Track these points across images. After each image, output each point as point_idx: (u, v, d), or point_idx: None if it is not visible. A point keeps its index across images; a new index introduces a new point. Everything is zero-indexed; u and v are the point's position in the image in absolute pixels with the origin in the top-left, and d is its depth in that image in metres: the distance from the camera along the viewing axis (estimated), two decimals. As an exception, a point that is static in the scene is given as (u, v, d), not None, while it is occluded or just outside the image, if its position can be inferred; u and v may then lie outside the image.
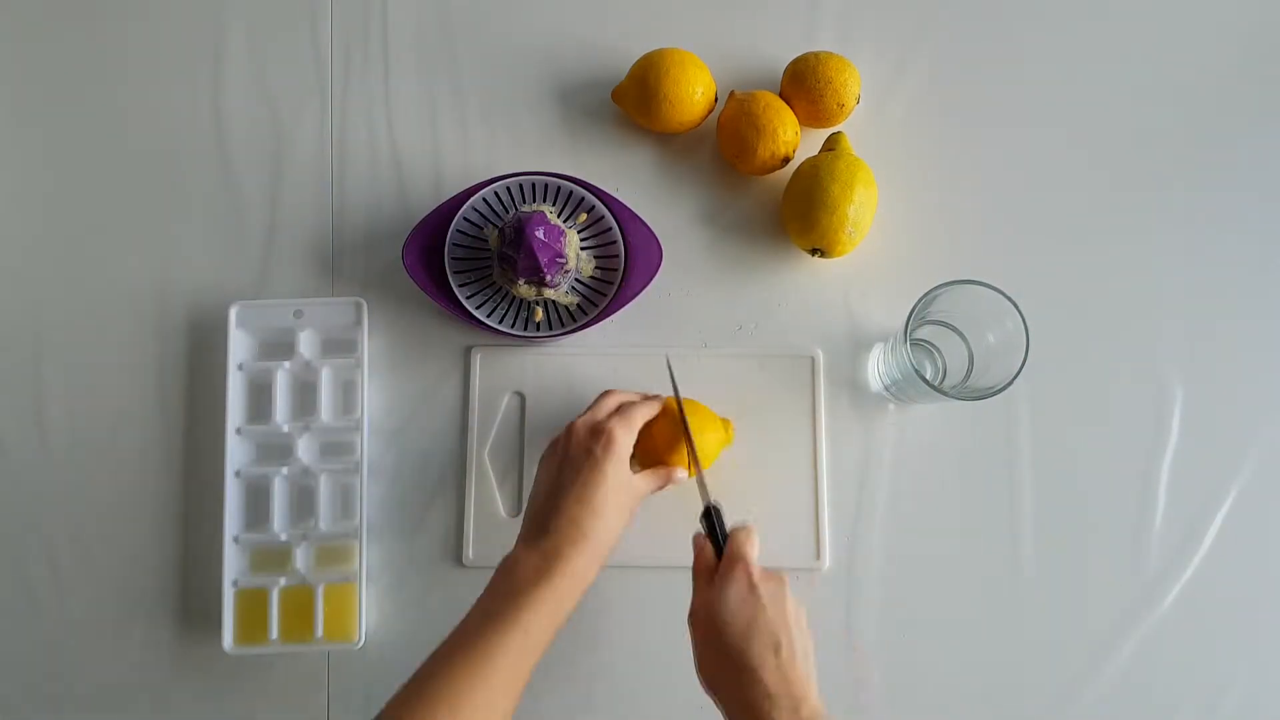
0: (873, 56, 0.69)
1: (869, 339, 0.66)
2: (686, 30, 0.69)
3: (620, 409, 0.55)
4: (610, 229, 0.64)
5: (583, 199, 0.64)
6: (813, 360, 0.65)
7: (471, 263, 0.63)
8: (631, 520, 0.54)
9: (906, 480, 0.64)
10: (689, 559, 0.53)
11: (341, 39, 0.70)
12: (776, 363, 0.65)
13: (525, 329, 0.63)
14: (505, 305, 0.63)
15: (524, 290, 0.61)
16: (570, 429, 0.55)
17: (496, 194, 0.64)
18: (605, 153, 0.69)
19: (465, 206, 0.63)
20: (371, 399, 0.64)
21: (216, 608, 0.60)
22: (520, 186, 0.64)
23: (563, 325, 0.63)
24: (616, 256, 0.64)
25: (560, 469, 0.53)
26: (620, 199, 0.64)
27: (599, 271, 0.64)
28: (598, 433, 0.53)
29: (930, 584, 0.62)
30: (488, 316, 0.62)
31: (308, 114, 0.69)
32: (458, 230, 0.63)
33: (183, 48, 0.69)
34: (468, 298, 0.63)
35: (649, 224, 0.64)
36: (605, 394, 0.58)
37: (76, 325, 0.66)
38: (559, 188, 0.64)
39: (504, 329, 0.62)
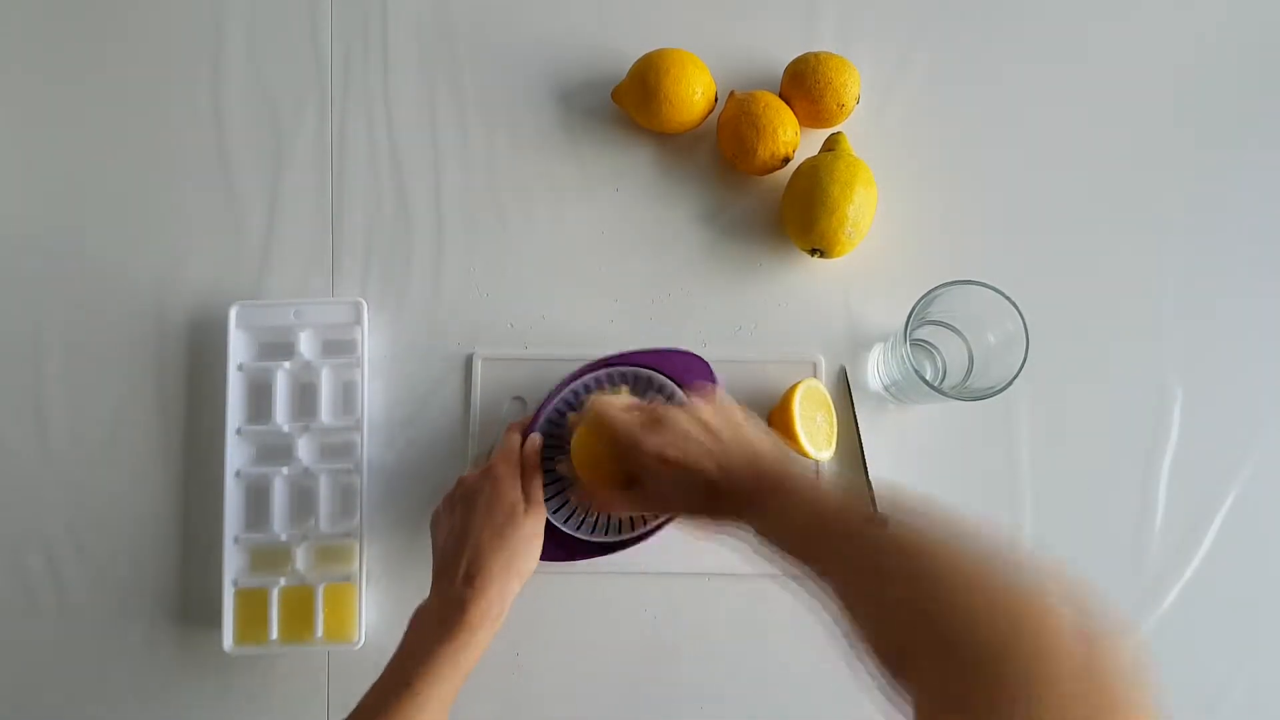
0: (873, 57, 0.69)
1: (869, 339, 0.66)
2: (686, 30, 0.69)
3: (505, 443, 0.58)
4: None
5: (650, 379, 0.60)
6: (814, 366, 0.65)
7: (548, 462, 0.59)
8: (534, 545, 0.54)
9: (906, 480, 0.64)
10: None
11: (341, 39, 0.70)
12: (777, 366, 0.65)
13: (593, 530, 0.59)
14: (576, 505, 0.59)
15: None
16: (459, 480, 0.57)
17: (575, 391, 0.61)
18: (605, 153, 0.69)
19: (543, 417, 0.60)
20: (371, 399, 0.63)
21: (216, 608, 0.60)
22: (598, 380, 0.61)
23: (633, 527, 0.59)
24: None
25: (456, 516, 0.54)
26: (690, 351, 0.61)
27: None
28: (484, 475, 0.55)
29: (930, 584, 0.62)
30: (564, 521, 0.58)
31: (308, 114, 0.69)
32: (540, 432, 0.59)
33: (183, 48, 0.69)
34: (545, 500, 0.57)
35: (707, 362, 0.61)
36: (505, 431, 0.59)
37: (76, 325, 0.66)
38: (629, 373, 0.61)
39: (587, 537, 0.58)
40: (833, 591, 0.41)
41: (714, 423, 0.50)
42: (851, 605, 0.40)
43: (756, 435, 0.50)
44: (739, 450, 0.48)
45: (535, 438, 0.58)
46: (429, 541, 0.56)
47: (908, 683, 0.35)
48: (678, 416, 0.50)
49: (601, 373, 0.60)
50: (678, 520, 0.55)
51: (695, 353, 0.61)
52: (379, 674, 0.50)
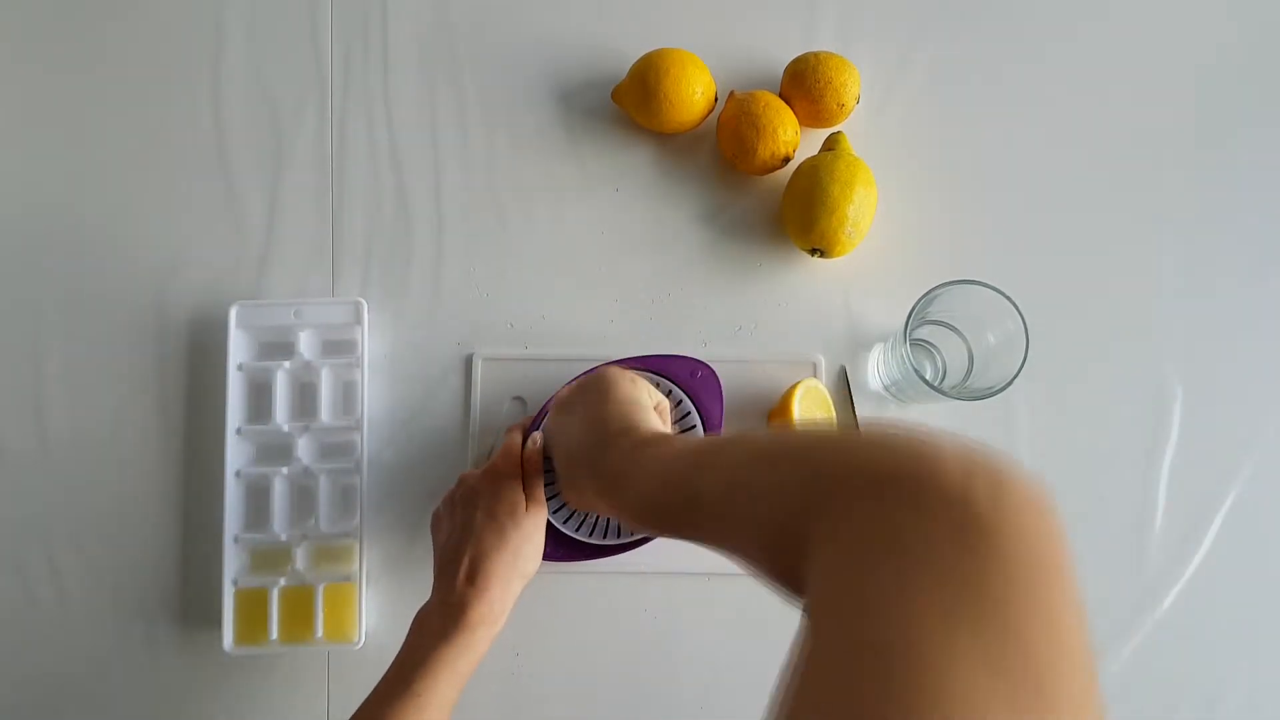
0: (873, 56, 0.69)
1: (869, 339, 0.66)
2: (686, 30, 0.69)
3: (507, 443, 0.57)
4: (689, 413, 0.59)
5: (657, 384, 0.60)
6: (814, 366, 0.65)
7: (550, 462, 0.59)
8: (536, 545, 0.54)
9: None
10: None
11: (341, 39, 0.70)
12: (777, 366, 0.65)
13: (591, 533, 0.58)
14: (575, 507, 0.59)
15: None
16: (460, 479, 0.56)
17: None
18: (605, 153, 0.69)
19: (546, 418, 0.59)
20: (371, 399, 0.63)
21: (216, 608, 0.60)
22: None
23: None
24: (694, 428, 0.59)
25: (457, 515, 0.54)
26: (704, 362, 0.60)
27: None
28: (486, 474, 0.55)
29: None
30: (564, 522, 0.58)
31: (308, 114, 0.69)
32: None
33: (183, 47, 0.69)
34: (553, 508, 0.58)
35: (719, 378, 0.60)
36: (507, 431, 0.59)
37: (76, 325, 0.66)
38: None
39: (586, 539, 0.58)
40: (702, 530, 0.37)
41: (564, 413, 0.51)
42: (723, 530, 0.36)
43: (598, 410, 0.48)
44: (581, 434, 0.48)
45: (537, 436, 0.58)
46: (429, 541, 0.56)
47: (798, 577, 0.30)
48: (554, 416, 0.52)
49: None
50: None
51: (702, 360, 0.60)
52: (379, 674, 0.50)
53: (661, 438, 0.44)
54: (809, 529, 0.29)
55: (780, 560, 0.32)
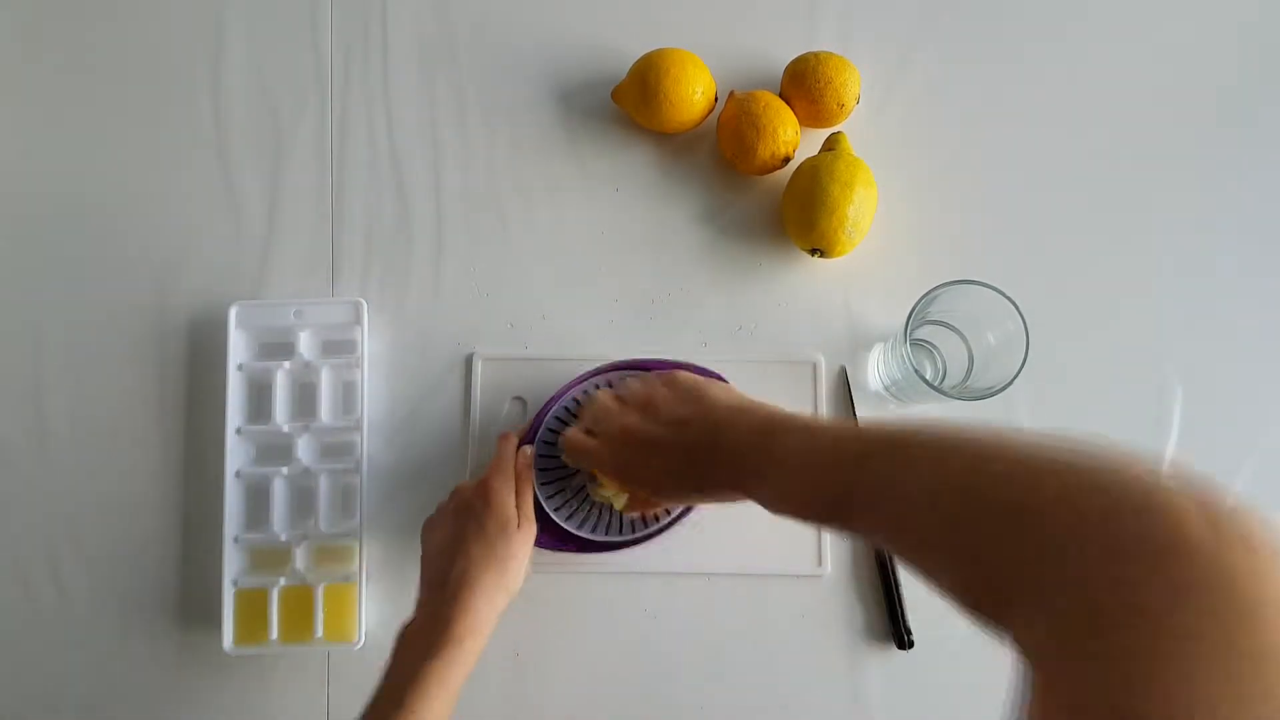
0: (873, 56, 0.69)
1: (869, 339, 0.66)
2: (686, 30, 0.69)
3: (500, 453, 0.57)
4: None
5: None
6: (814, 366, 0.65)
7: (553, 460, 0.60)
8: (523, 562, 0.54)
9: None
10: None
11: (341, 39, 0.70)
12: (777, 366, 0.65)
13: (596, 529, 0.59)
14: (577, 502, 0.59)
15: (607, 495, 0.57)
16: (455, 490, 0.56)
17: (585, 391, 0.61)
18: (605, 153, 0.69)
19: (550, 415, 0.60)
20: (371, 399, 0.63)
21: (216, 608, 0.60)
22: (609, 383, 0.61)
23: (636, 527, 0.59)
24: None
25: (449, 527, 0.54)
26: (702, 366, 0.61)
27: None
28: (479, 487, 0.55)
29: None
30: (566, 520, 0.58)
31: (308, 114, 0.69)
32: (543, 441, 0.60)
33: (183, 48, 0.69)
34: (549, 498, 0.59)
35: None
36: (500, 439, 0.59)
37: (76, 325, 0.66)
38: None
39: (592, 537, 0.58)
40: (878, 533, 0.36)
41: (673, 392, 0.50)
42: (905, 541, 0.35)
43: (727, 397, 0.48)
44: (712, 412, 0.47)
45: (527, 451, 0.58)
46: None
47: (1008, 621, 0.29)
48: (636, 390, 0.51)
49: (613, 375, 0.61)
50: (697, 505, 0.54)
51: (707, 367, 0.60)
52: (379, 674, 0.50)
53: (816, 428, 0.42)
54: (1022, 576, 0.28)
55: (978, 594, 0.31)
